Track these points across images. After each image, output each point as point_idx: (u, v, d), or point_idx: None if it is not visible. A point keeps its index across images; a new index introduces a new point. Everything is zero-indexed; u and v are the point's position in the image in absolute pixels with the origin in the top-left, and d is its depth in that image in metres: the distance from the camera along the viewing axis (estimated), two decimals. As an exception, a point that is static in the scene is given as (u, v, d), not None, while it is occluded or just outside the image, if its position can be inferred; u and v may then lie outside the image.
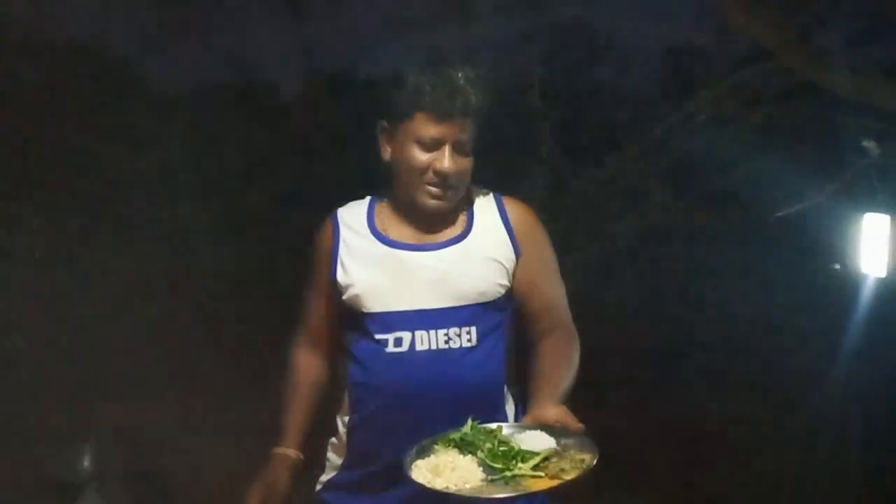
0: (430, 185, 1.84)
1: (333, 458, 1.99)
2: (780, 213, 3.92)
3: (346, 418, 1.95)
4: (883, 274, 3.41)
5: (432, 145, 1.82)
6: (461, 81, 1.82)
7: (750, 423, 4.50)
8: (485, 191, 1.99)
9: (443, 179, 1.84)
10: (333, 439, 2.00)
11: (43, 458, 3.38)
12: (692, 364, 4.93)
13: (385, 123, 1.90)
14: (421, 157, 1.83)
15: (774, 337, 4.85)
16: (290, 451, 1.98)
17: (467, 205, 1.95)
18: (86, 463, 3.27)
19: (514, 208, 1.96)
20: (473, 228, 1.92)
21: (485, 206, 1.96)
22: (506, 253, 1.91)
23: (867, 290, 3.64)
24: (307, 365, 2.04)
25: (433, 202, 1.86)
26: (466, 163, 1.86)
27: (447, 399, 1.80)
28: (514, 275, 1.91)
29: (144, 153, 5.91)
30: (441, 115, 1.81)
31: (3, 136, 5.22)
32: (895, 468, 4.04)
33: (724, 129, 4.59)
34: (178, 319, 5.41)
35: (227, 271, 5.79)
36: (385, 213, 1.95)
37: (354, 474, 1.94)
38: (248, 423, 4.37)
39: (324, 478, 2.00)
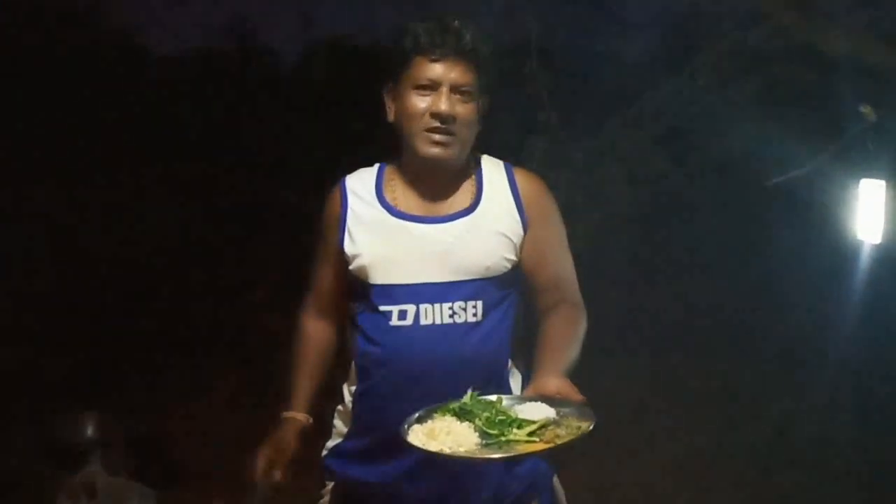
0: (430, 130, 1.81)
1: (339, 426, 2.00)
2: (776, 179, 3.92)
3: (353, 387, 1.95)
4: (878, 240, 3.41)
5: (430, 87, 1.80)
6: (455, 23, 1.81)
7: (747, 388, 4.54)
8: (495, 161, 1.96)
9: (443, 123, 1.80)
10: (340, 407, 2.00)
11: (48, 424, 3.41)
12: (691, 329, 4.95)
13: (389, 82, 1.88)
14: (419, 102, 1.81)
15: (770, 301, 4.87)
16: (298, 415, 1.98)
17: (476, 174, 1.92)
18: (90, 430, 3.29)
19: (524, 180, 1.93)
20: (482, 200, 1.88)
21: (495, 177, 1.92)
22: (514, 227, 1.88)
23: (863, 256, 3.65)
24: (315, 331, 2.04)
25: (435, 149, 1.81)
26: (468, 109, 1.82)
27: (450, 373, 1.79)
28: (521, 249, 1.88)
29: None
30: (436, 55, 1.79)
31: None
32: (889, 427, 4.08)
33: (722, 92, 4.57)
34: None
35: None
36: (394, 181, 1.92)
37: (358, 442, 1.94)
38: (254, 392, 4.43)
39: (329, 444, 2.02)
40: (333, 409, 2.03)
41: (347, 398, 1.98)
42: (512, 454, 1.50)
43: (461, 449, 1.50)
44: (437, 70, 1.80)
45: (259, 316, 5.21)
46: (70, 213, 5.67)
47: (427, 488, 1.86)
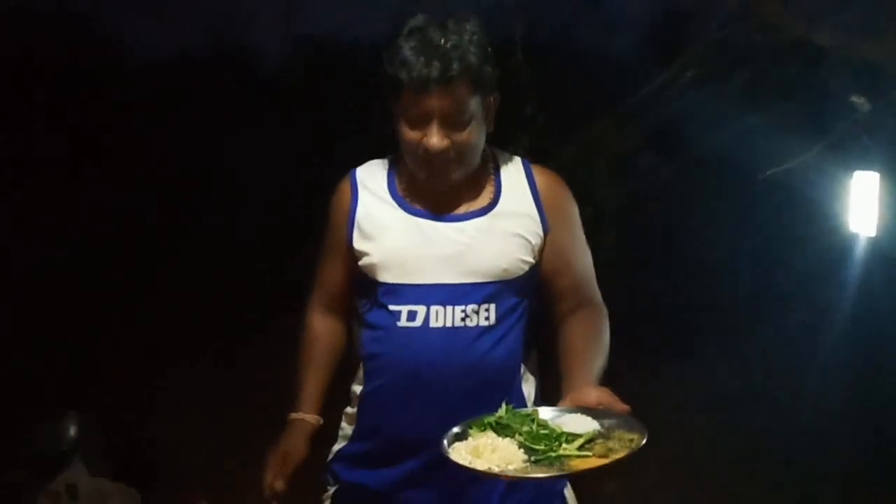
0: (425, 162, 1.71)
1: (345, 429, 1.91)
2: (768, 173, 3.89)
3: (360, 388, 1.87)
4: (872, 233, 3.37)
5: (419, 121, 1.68)
6: (445, 46, 1.65)
7: (740, 384, 4.51)
8: (513, 157, 1.86)
9: (436, 157, 1.69)
10: (348, 409, 1.91)
11: (29, 427, 3.35)
12: (682, 325, 4.91)
13: (389, 97, 1.76)
14: (411, 134, 1.70)
15: (764, 296, 4.84)
16: (307, 416, 1.90)
17: (494, 171, 1.82)
18: (72, 432, 3.23)
19: (543, 179, 1.83)
20: (500, 200, 1.79)
21: (513, 175, 1.83)
22: (533, 228, 1.79)
23: (857, 249, 3.62)
24: (322, 328, 1.95)
25: (432, 180, 1.74)
26: (464, 136, 1.69)
27: (459, 379, 1.72)
28: (541, 251, 1.80)
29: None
30: (423, 88, 1.65)
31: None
32: (884, 423, 4.06)
33: (710, 88, 4.54)
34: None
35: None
36: (406, 176, 1.82)
37: (362, 446, 1.87)
38: (237, 394, 4.37)
39: (335, 447, 1.93)
40: (339, 414, 1.94)
41: (355, 399, 1.90)
42: (567, 472, 1.42)
43: (510, 467, 1.41)
44: (425, 104, 1.66)
45: (244, 318, 5.17)
46: (51, 215, 5.60)
47: (431, 495, 1.79)
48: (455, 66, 1.64)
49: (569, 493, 1.91)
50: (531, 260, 1.79)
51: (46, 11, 6.47)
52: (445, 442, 1.49)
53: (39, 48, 6.06)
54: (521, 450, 1.45)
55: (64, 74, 5.97)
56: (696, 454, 3.99)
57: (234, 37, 7.48)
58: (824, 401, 4.13)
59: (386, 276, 1.77)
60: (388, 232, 1.79)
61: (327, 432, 1.96)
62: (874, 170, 3.38)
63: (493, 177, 1.82)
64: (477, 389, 1.69)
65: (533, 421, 1.52)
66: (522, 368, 1.84)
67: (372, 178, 1.85)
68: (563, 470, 1.41)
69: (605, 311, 1.85)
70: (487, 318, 1.75)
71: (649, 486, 3.71)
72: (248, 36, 7.43)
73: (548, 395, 1.85)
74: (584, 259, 1.86)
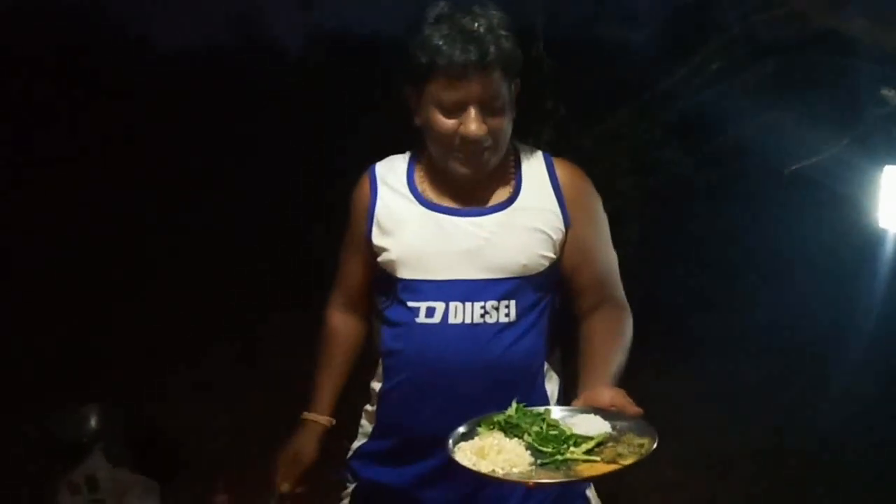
0: (460, 151, 1.69)
1: (365, 426, 1.92)
2: (794, 167, 3.83)
3: (379, 385, 1.86)
4: (902, 229, 3.32)
5: (455, 108, 1.65)
6: (479, 31, 1.63)
7: (762, 384, 4.46)
8: (533, 150, 1.84)
9: (473, 144, 1.67)
10: (368, 406, 1.92)
11: (49, 418, 3.37)
12: (704, 322, 4.87)
13: (411, 88, 1.73)
14: (445, 122, 1.67)
15: (789, 294, 4.79)
16: (320, 418, 1.92)
17: (515, 166, 1.80)
18: (92, 423, 3.25)
19: (565, 172, 1.81)
20: (521, 194, 1.77)
21: (534, 169, 1.80)
22: (554, 223, 1.76)
23: (886, 245, 3.57)
24: (341, 326, 1.96)
25: (467, 169, 1.71)
26: (499, 122, 1.68)
27: (479, 377, 1.70)
28: (562, 246, 1.77)
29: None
30: (458, 73, 1.62)
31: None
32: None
33: (734, 80, 4.49)
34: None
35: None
36: (426, 171, 1.81)
37: (382, 443, 1.87)
38: (258, 386, 4.37)
39: (354, 444, 1.94)
40: (359, 409, 1.94)
41: (374, 396, 1.89)
42: (573, 479, 1.37)
43: (515, 470, 1.37)
44: (461, 91, 1.64)
45: (265, 311, 5.17)
46: (51, 215, 5.63)
47: (450, 493, 1.78)
48: (492, 49, 1.63)
49: (591, 493, 1.89)
50: (552, 255, 1.77)
51: (46, 11, 6.46)
52: (451, 441, 1.46)
53: (39, 47, 6.05)
54: (528, 452, 1.42)
55: (64, 73, 5.96)
56: (714, 451, 3.95)
57: (234, 36, 7.48)
58: (848, 400, 4.06)
59: (404, 272, 1.76)
60: (406, 227, 1.77)
61: (348, 428, 1.96)
62: (904, 164, 3.32)
63: (513, 170, 1.80)
64: (497, 387, 1.67)
65: (543, 421, 1.49)
66: (545, 366, 1.82)
67: (391, 173, 1.84)
68: (570, 476, 1.37)
69: (627, 310, 1.82)
70: (507, 315, 1.73)
71: (667, 483, 3.68)
72: (248, 35, 7.41)
73: (568, 393, 1.82)
74: (606, 255, 1.83)
